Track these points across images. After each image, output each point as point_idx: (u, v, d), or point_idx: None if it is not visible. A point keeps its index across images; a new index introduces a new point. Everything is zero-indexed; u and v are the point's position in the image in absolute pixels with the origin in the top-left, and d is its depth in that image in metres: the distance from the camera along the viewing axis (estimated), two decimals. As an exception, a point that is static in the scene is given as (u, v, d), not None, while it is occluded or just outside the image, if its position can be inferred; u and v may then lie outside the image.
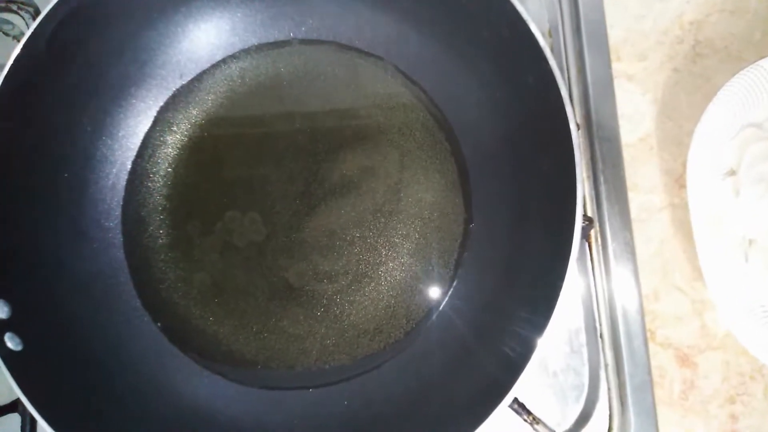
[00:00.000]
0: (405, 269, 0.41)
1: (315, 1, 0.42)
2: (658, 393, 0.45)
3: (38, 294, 0.36)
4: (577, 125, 0.40)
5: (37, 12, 0.47)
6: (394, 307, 0.41)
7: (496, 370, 0.32)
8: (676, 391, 0.45)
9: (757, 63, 0.44)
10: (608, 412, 0.43)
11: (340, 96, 0.43)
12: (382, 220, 0.42)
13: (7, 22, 0.53)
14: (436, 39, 0.40)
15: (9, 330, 0.33)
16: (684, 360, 0.46)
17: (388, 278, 0.41)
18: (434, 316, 0.39)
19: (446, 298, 0.40)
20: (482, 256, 0.39)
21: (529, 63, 0.32)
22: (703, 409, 0.45)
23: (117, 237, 0.41)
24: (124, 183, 0.42)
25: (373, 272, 0.41)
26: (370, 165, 0.42)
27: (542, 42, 0.30)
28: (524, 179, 0.37)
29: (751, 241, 0.43)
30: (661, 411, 0.45)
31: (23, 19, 0.51)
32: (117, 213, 0.42)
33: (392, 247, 0.41)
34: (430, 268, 0.40)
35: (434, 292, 0.41)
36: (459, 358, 0.36)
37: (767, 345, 0.40)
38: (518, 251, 0.36)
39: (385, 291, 0.41)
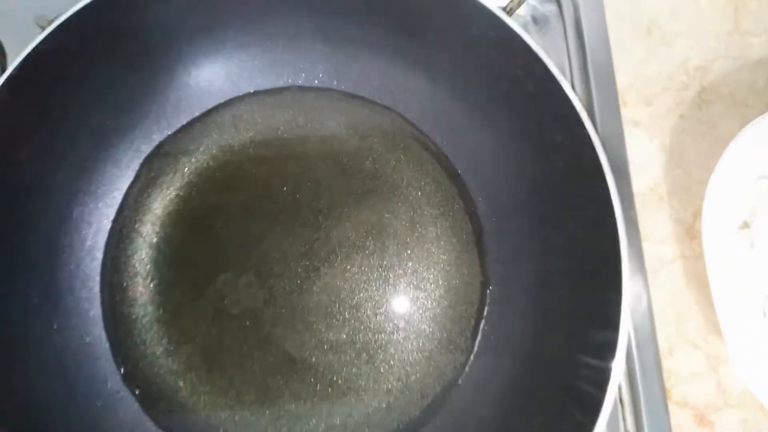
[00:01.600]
0: (418, 338, 0.38)
1: (317, 47, 0.38)
2: (677, 455, 0.43)
3: (7, 377, 0.31)
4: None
5: (2, 52, 0.43)
6: (406, 380, 0.37)
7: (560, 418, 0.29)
8: (695, 452, 0.43)
9: (767, 113, 0.43)
10: (630, 482, 0.40)
11: (342, 147, 0.40)
12: (391, 282, 0.39)
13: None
14: (449, 89, 0.37)
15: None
16: (701, 419, 0.44)
17: (400, 348, 0.38)
18: (453, 390, 0.36)
19: (466, 369, 0.36)
20: (503, 324, 0.36)
21: (558, 122, 0.30)
22: (722, 470, 0.43)
23: (95, 307, 0.37)
24: (103, 245, 0.38)
25: (383, 342, 0.38)
26: (377, 222, 0.39)
27: (577, 103, 0.28)
28: (549, 243, 0.34)
29: (769, 297, 0.41)
30: (680, 474, 0.42)
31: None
32: (95, 280, 0.37)
33: (403, 314, 0.38)
34: (445, 335, 0.37)
35: (451, 363, 0.38)
36: (497, 427, 0.33)
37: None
38: (545, 320, 0.33)
39: (396, 363, 0.38)
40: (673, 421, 0.43)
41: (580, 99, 0.43)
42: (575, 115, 0.29)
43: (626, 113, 0.47)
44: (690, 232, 0.46)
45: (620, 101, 0.47)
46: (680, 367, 0.44)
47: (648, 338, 0.43)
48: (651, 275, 0.45)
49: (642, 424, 0.41)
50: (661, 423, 0.42)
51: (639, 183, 0.46)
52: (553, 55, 0.45)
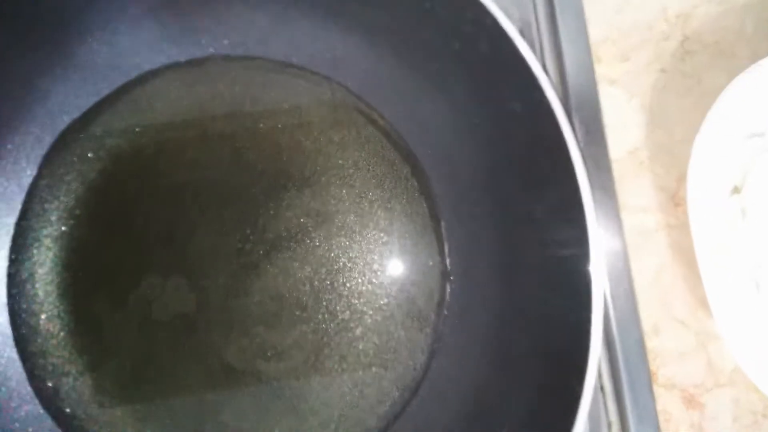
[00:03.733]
0: (372, 338, 0.34)
1: (236, 8, 0.33)
2: (664, 440, 0.40)
3: None
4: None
5: None
6: (362, 386, 0.33)
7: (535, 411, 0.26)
8: (684, 436, 0.41)
9: (757, 63, 0.38)
10: (614, 475, 0.38)
11: (277, 126, 0.35)
12: (341, 277, 0.35)
13: None
14: (393, 52, 0.33)
15: None
16: (690, 401, 0.41)
17: (352, 351, 0.34)
18: (413, 395, 0.32)
19: (427, 371, 0.33)
20: (466, 318, 0.32)
21: (515, 88, 0.25)
22: (714, 455, 0.40)
23: (2, 325, 0.32)
24: (6, 252, 0.33)
25: (333, 344, 0.34)
26: (321, 210, 0.35)
27: (534, 64, 0.23)
28: (512, 223, 0.30)
29: (762, 268, 0.38)
30: (669, 460, 0.40)
31: None
32: (0, 293, 0.32)
33: (355, 312, 0.34)
34: (403, 334, 0.33)
35: (410, 364, 0.34)
36: None
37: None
38: (510, 313, 0.29)
39: (349, 367, 0.34)
40: (660, 406, 0.40)
41: (544, 62, 0.38)
42: (533, 80, 0.24)
43: (601, 70, 0.43)
44: (674, 199, 0.42)
45: (594, 57, 0.42)
46: (666, 347, 0.41)
47: (630, 319, 0.39)
48: (632, 249, 0.41)
49: (626, 412, 0.39)
50: (646, 408, 0.39)
51: (616, 148, 0.42)
52: (516, 8, 0.40)
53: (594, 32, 0.43)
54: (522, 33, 0.41)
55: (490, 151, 0.31)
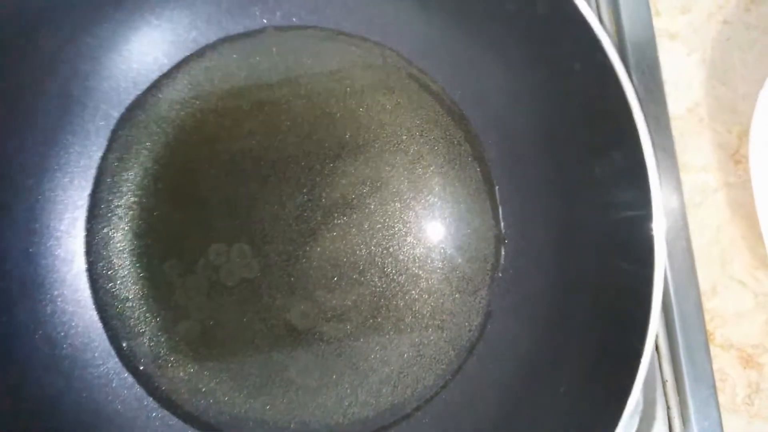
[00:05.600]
0: (428, 301, 0.35)
1: (290, -21, 0.33)
2: (720, 399, 0.40)
3: (2, 375, 0.29)
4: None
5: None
6: (418, 346, 0.35)
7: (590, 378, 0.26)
8: (740, 395, 0.41)
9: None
10: (668, 432, 0.38)
11: (331, 94, 0.36)
12: (396, 242, 0.35)
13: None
14: (446, 16, 0.32)
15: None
16: (748, 361, 0.41)
17: (409, 313, 0.35)
18: (469, 354, 0.33)
19: (482, 332, 0.33)
20: (521, 282, 0.32)
21: (573, 47, 0.25)
22: (771, 414, 0.40)
23: (82, 290, 0.35)
24: (82, 223, 0.35)
25: (391, 307, 0.35)
26: (375, 176, 0.35)
27: (595, 23, 0.23)
28: (570, 185, 0.30)
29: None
30: (724, 418, 0.40)
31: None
32: (79, 261, 0.35)
33: (411, 275, 0.35)
34: (458, 297, 0.34)
35: (466, 325, 0.35)
36: (517, 396, 0.30)
37: None
38: (568, 274, 0.30)
39: (406, 328, 0.35)
40: (716, 365, 0.40)
41: (603, 10, 0.37)
42: (592, 38, 0.24)
43: (659, 24, 0.41)
44: (735, 156, 0.41)
45: (652, 10, 0.41)
46: (724, 308, 0.41)
47: (687, 279, 0.39)
48: (691, 209, 0.40)
49: (681, 372, 0.39)
50: (702, 368, 0.39)
51: (676, 105, 0.41)
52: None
53: (652, -16, 0.41)
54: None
55: (547, 114, 0.31)
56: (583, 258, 0.30)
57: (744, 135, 0.39)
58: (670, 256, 0.38)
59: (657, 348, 0.39)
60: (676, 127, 0.41)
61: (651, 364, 0.38)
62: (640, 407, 0.39)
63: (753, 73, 0.39)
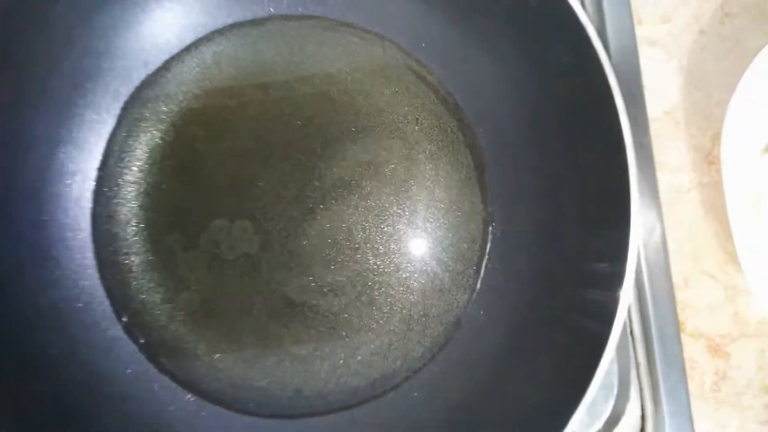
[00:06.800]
0: (419, 278, 0.37)
1: (296, -31, 0.35)
2: (690, 387, 0.42)
3: (7, 336, 0.31)
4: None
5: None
6: (408, 320, 0.36)
7: (566, 354, 0.29)
8: (708, 382, 0.43)
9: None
10: (640, 413, 0.40)
11: (333, 82, 0.38)
12: (389, 222, 0.37)
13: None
14: (444, 11, 0.34)
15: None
16: (716, 350, 0.43)
17: (400, 289, 0.37)
18: (456, 329, 0.35)
19: (468, 308, 0.35)
20: (506, 261, 0.34)
21: (564, 41, 0.27)
22: (737, 400, 0.42)
23: (88, 258, 0.36)
24: (91, 194, 0.37)
25: (384, 282, 0.37)
26: (372, 160, 0.37)
27: (584, 18, 0.25)
28: (555, 174, 0.32)
29: (792, 223, 0.39)
30: (693, 404, 0.42)
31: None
32: (85, 230, 0.36)
33: (403, 254, 0.37)
34: (447, 275, 0.36)
35: (454, 301, 0.37)
36: (500, 368, 0.32)
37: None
38: (550, 255, 0.32)
39: (397, 303, 0.37)
40: (687, 353, 0.42)
41: (588, 15, 0.40)
42: (582, 33, 0.26)
43: (641, 32, 0.44)
44: (708, 158, 0.44)
45: (634, 19, 0.43)
46: (696, 299, 0.43)
47: (661, 270, 0.41)
48: (666, 206, 0.43)
49: (654, 356, 0.41)
50: (673, 354, 0.41)
51: (654, 108, 0.43)
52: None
53: (635, -6, 0.44)
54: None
55: (535, 104, 0.33)
56: (565, 240, 0.32)
57: (717, 138, 0.42)
58: (646, 248, 0.41)
59: (632, 333, 0.41)
60: (654, 129, 0.43)
61: (626, 348, 0.41)
62: (615, 390, 0.41)
63: (726, 81, 0.41)
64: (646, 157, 0.41)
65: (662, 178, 0.43)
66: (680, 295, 0.43)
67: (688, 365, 0.42)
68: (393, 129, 0.38)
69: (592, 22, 0.40)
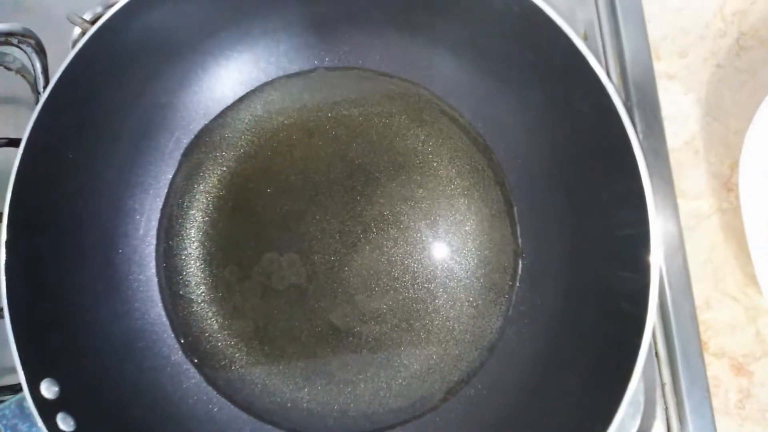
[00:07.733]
0: (454, 306, 0.39)
1: (339, 29, 0.39)
2: (714, 403, 0.44)
3: (82, 365, 0.34)
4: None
5: (39, 45, 0.45)
6: (445, 344, 0.39)
7: (596, 375, 0.31)
8: (733, 400, 0.44)
9: (810, 58, 0.41)
10: (666, 431, 0.42)
11: (372, 125, 0.41)
12: (426, 254, 0.40)
13: (7, 54, 0.51)
14: (474, 63, 0.37)
15: (61, 410, 0.31)
16: (739, 369, 0.44)
17: (437, 316, 0.40)
18: (490, 354, 0.38)
19: (502, 335, 0.38)
20: (536, 290, 0.37)
21: (584, 93, 0.30)
22: (762, 417, 0.44)
23: (153, 290, 0.40)
24: (155, 232, 0.40)
25: (422, 311, 0.40)
26: (409, 196, 0.40)
27: (602, 75, 0.28)
28: (579, 208, 0.34)
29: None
30: (718, 421, 0.44)
31: (25, 52, 0.49)
32: (150, 265, 0.40)
33: (439, 283, 0.40)
34: (481, 303, 0.39)
35: (488, 328, 0.39)
36: (533, 389, 0.35)
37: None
38: (578, 283, 0.34)
39: (434, 329, 0.40)
40: (710, 372, 0.44)
41: (606, 61, 0.42)
42: (601, 88, 0.29)
43: (659, 67, 0.46)
44: (727, 185, 0.45)
45: (653, 54, 0.46)
46: (718, 320, 0.45)
47: (683, 294, 0.43)
48: (688, 231, 0.45)
49: (678, 376, 0.42)
50: (697, 374, 0.42)
51: (674, 138, 0.46)
52: (582, 9, 0.44)
53: (653, 30, 0.46)
54: (586, 34, 0.45)
55: (559, 147, 0.36)
56: (591, 269, 0.35)
57: (735, 166, 0.44)
58: (668, 273, 0.43)
59: (657, 354, 0.43)
60: (674, 158, 0.45)
61: (651, 368, 0.43)
62: (642, 407, 0.43)
63: (743, 111, 0.43)
64: (666, 185, 0.44)
65: (683, 204, 0.45)
66: (702, 316, 0.45)
67: (712, 384, 0.44)
68: (428, 167, 0.41)
69: (612, 60, 0.43)
